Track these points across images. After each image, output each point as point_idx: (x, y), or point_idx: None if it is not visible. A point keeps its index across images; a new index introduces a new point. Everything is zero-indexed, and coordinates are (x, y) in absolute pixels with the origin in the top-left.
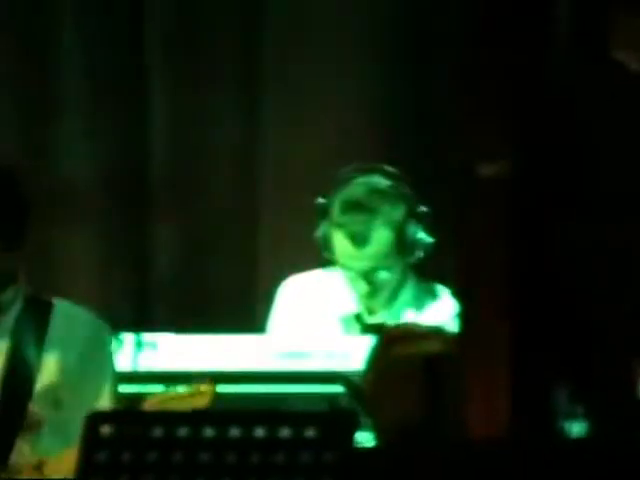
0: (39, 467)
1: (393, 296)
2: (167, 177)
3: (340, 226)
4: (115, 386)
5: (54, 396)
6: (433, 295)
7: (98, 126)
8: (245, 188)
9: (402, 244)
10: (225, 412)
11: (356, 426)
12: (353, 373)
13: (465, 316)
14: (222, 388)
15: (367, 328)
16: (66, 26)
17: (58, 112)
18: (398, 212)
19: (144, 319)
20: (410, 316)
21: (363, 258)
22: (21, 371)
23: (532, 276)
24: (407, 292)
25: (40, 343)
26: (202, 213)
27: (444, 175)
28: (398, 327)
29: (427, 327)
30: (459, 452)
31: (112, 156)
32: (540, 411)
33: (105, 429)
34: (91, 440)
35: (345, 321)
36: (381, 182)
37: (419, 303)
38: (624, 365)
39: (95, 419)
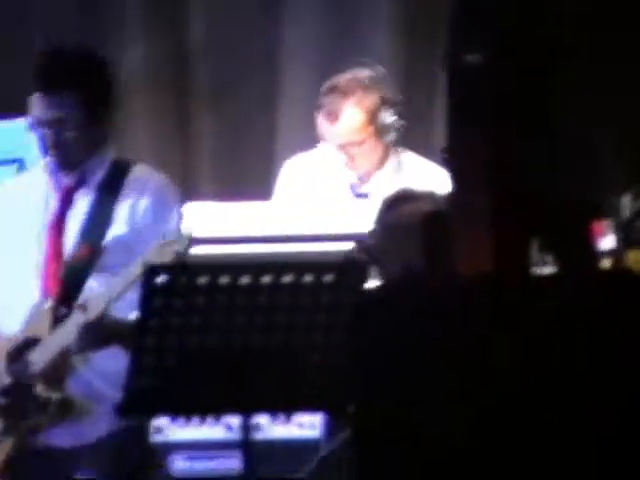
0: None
1: (377, 167)
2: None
3: (320, 107)
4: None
5: (124, 243)
6: (416, 166)
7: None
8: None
9: (375, 125)
10: (257, 262)
11: (367, 271)
12: (359, 234)
13: (453, 183)
14: (254, 248)
15: (358, 195)
16: None
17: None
18: (371, 97)
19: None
20: (397, 183)
21: (335, 133)
22: (97, 218)
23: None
24: (391, 165)
25: (115, 198)
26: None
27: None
28: (399, 191)
29: (422, 191)
30: (453, 289)
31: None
32: (518, 260)
33: (159, 279)
34: (148, 288)
35: (341, 191)
36: (361, 72)
37: (406, 173)
38: (582, 224)
39: (151, 271)
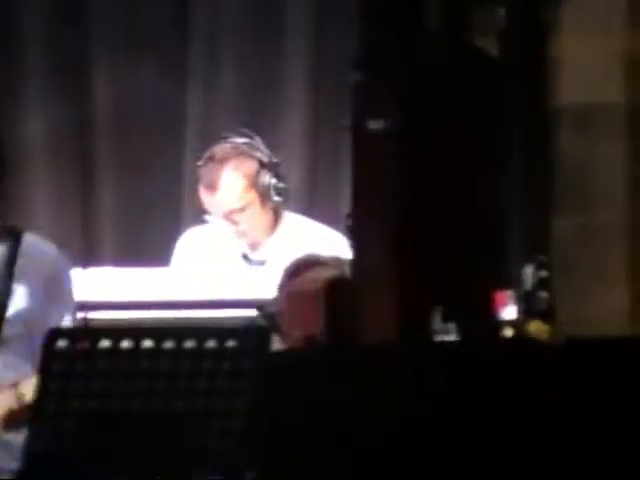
0: (14, 385)
1: (268, 233)
2: None
3: (199, 179)
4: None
5: (23, 319)
6: (305, 229)
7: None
8: None
9: (256, 190)
10: (161, 327)
11: (269, 338)
12: (256, 301)
13: (357, 250)
14: (154, 314)
15: (252, 263)
16: None
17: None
18: (249, 163)
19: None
20: (294, 247)
21: (216, 203)
22: None
23: (414, 218)
24: (282, 229)
25: (10, 273)
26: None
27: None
28: (302, 257)
29: (326, 256)
30: (355, 354)
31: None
32: (420, 328)
33: (60, 343)
34: (48, 352)
35: (235, 262)
36: (236, 139)
37: (298, 237)
38: (484, 294)
39: (52, 334)
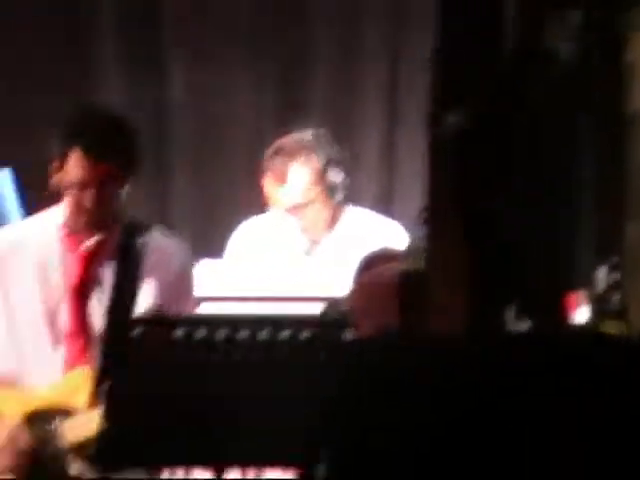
0: None
1: (328, 228)
2: None
3: (265, 170)
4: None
5: None
6: (376, 223)
7: None
8: None
9: (323, 185)
10: (235, 318)
11: (344, 328)
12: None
13: (432, 244)
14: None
15: (310, 259)
16: None
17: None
18: (317, 158)
19: None
20: (354, 243)
21: (282, 196)
22: (122, 296)
23: (489, 215)
24: (342, 224)
25: (137, 271)
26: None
27: None
28: (377, 250)
29: (400, 250)
30: (430, 348)
31: None
32: (493, 324)
33: (136, 331)
34: (125, 340)
35: (295, 256)
36: (304, 134)
37: (357, 234)
38: (558, 294)
39: (129, 323)
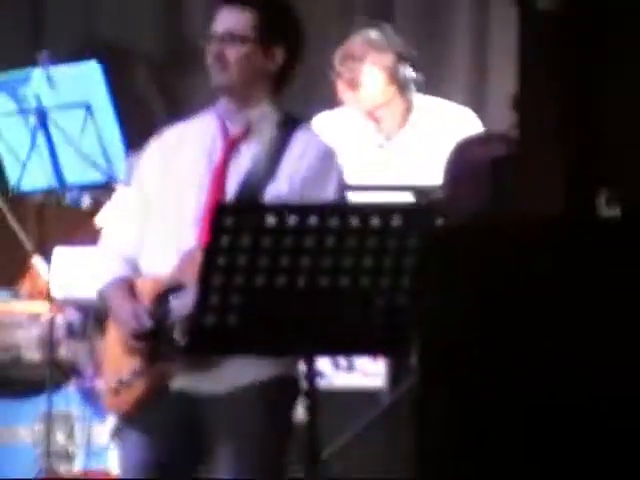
0: None
1: (401, 124)
2: None
3: (338, 75)
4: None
5: (281, 201)
6: (437, 110)
7: None
8: None
9: (397, 83)
10: (326, 205)
11: (434, 216)
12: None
13: (524, 129)
14: None
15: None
16: None
17: None
18: (386, 56)
19: None
20: (427, 132)
21: (359, 100)
22: (259, 173)
23: (582, 99)
24: (414, 118)
25: (280, 155)
26: None
27: None
28: (469, 136)
29: (494, 134)
30: (523, 229)
31: None
32: (585, 208)
33: (227, 219)
34: (216, 228)
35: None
36: (370, 33)
37: (430, 122)
38: None
39: (219, 210)
